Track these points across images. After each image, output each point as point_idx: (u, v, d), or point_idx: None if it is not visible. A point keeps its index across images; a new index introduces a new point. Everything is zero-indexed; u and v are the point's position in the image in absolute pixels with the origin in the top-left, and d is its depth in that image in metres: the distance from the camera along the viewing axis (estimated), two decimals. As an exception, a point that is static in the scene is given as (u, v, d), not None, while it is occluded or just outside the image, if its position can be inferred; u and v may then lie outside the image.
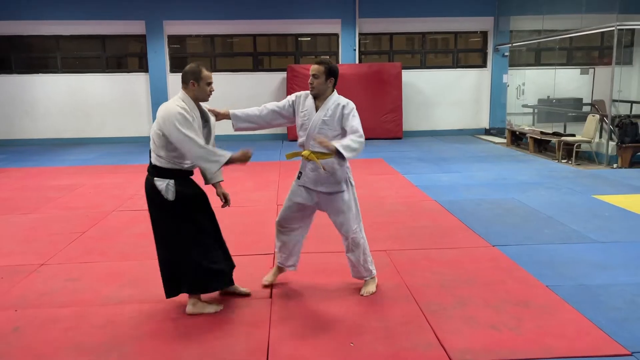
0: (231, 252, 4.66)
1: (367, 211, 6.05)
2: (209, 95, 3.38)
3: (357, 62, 13.13)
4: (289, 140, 12.73)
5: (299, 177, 3.71)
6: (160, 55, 12.81)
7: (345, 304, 3.59)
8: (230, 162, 3.25)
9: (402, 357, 2.92)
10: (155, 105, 12.86)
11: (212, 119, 3.51)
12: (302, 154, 3.59)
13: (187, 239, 3.36)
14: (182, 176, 3.37)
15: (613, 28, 9.03)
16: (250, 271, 4.22)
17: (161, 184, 3.31)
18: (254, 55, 13.29)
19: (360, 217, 3.76)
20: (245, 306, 3.58)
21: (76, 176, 8.50)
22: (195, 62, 3.38)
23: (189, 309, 3.45)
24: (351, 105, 3.55)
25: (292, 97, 3.68)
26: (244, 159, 3.29)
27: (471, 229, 5.27)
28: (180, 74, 3.39)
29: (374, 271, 3.81)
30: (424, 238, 5.02)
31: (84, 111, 12.99)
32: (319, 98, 3.57)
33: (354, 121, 3.47)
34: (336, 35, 13.20)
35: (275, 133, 13.21)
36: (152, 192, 3.35)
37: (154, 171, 3.34)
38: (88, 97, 12.95)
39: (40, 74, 12.89)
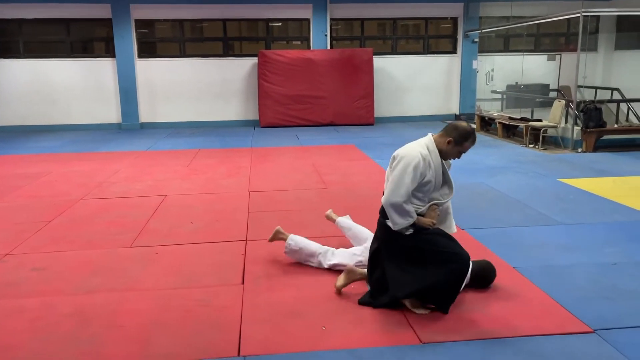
0: (202, 239, 4.67)
1: (339, 197, 6.08)
2: (450, 158, 3.26)
3: (328, 47, 13.08)
4: (262, 127, 12.64)
5: None
6: (127, 40, 12.50)
7: (318, 289, 3.61)
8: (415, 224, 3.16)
9: (373, 339, 2.96)
10: (123, 91, 12.60)
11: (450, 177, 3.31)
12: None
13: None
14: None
15: (578, 15, 9.20)
16: (222, 258, 4.20)
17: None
18: (224, 40, 13.09)
19: None
20: (217, 293, 3.56)
21: (42, 164, 8.27)
22: (470, 126, 3.23)
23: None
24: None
25: None
26: (428, 222, 3.17)
27: (441, 213, 5.33)
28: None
29: None
30: (395, 222, 5.06)
31: (49, 97, 12.61)
32: None
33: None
34: (307, 20, 13.10)
35: (247, 120, 13.10)
36: (385, 231, 3.23)
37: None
38: (53, 82, 12.57)
39: (2, 59, 12.43)
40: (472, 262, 3.64)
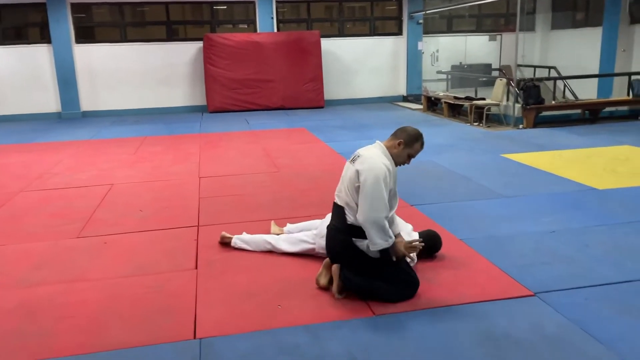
0: (153, 227, 4.59)
1: (292, 179, 6.11)
2: (401, 163, 3.23)
3: (275, 30, 12.96)
4: (210, 112, 12.43)
5: None
6: (63, 25, 11.94)
7: (272, 270, 3.63)
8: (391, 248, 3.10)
9: (328, 314, 3.02)
10: (61, 79, 12.08)
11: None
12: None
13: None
14: None
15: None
16: (174, 244, 4.15)
17: (362, 244, 3.14)
18: (167, 24, 12.73)
19: None
20: (170, 279, 3.53)
21: (-24, 157, 7.85)
22: (417, 130, 3.23)
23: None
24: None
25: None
26: (402, 253, 3.15)
27: (391, 191, 5.45)
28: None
29: None
30: (346, 202, 5.13)
31: (-20, 87, 11.92)
32: None
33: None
34: (253, 3, 12.91)
35: (194, 105, 12.85)
36: (351, 250, 3.17)
37: (351, 231, 3.15)
38: (-16, 71, 11.88)
39: None
40: (419, 232, 3.76)
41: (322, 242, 3.62)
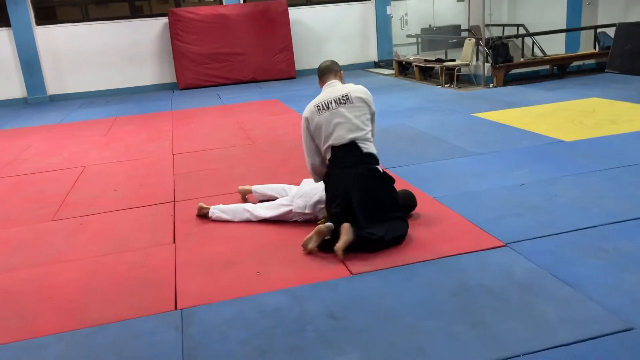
0: (128, 205, 4.58)
1: (267, 150, 6.11)
2: None
3: (241, 1, 12.71)
4: (181, 89, 12.24)
5: None
6: (21, 6, 11.51)
7: (249, 240, 3.67)
8: None
9: (307, 277, 3.08)
10: (25, 63, 11.73)
11: None
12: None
13: None
14: None
15: (482, -47, 9.45)
16: (151, 220, 4.16)
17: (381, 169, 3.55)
18: (129, 1, 12.37)
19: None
20: (148, 254, 3.54)
21: (-59, 148, 7.64)
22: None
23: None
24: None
25: None
26: None
27: (365, 155, 5.50)
28: None
29: None
30: (321, 169, 5.17)
31: (-61, 76, 11.51)
32: None
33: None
34: (216, -26, 12.61)
35: (164, 83, 12.63)
36: (379, 179, 3.49)
37: (375, 160, 3.54)
38: (-59, 59, 11.45)
39: None
40: None
41: (300, 202, 3.76)
